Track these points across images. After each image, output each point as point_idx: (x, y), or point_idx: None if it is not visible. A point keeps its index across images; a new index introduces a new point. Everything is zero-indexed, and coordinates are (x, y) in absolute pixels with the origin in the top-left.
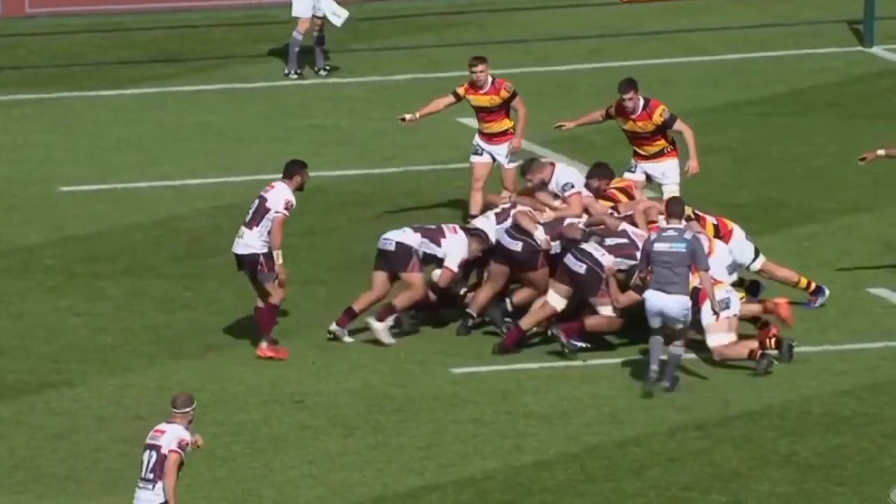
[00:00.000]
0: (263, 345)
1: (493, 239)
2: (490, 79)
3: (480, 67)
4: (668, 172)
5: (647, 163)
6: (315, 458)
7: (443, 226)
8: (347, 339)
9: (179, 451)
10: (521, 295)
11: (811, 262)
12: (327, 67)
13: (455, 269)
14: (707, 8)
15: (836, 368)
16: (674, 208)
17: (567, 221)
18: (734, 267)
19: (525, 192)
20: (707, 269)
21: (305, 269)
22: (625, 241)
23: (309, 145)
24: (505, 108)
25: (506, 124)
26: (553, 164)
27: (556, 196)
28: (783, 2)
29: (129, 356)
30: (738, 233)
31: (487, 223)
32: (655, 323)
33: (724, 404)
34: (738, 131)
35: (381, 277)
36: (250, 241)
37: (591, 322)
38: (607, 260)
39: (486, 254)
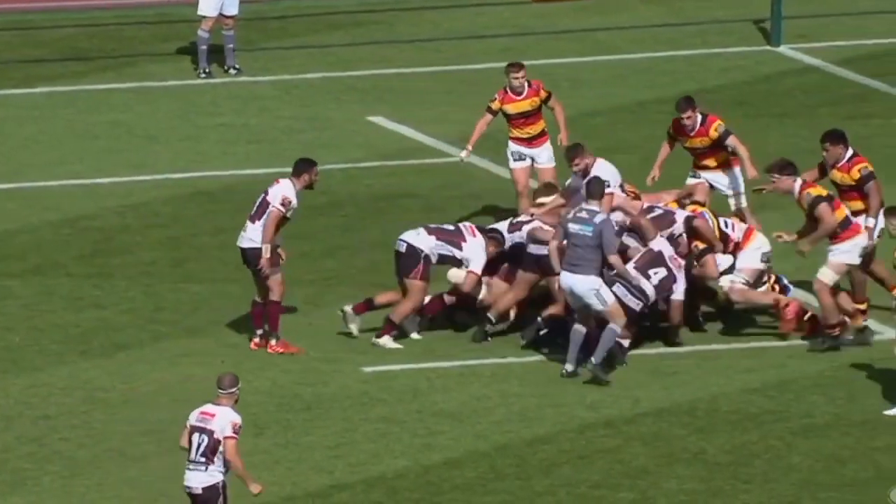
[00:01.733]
0: (273, 342)
1: (507, 243)
2: (527, 83)
3: (521, 73)
4: (734, 183)
5: (709, 173)
6: None
7: (461, 227)
8: (353, 327)
9: (235, 435)
10: (552, 310)
11: None
12: (237, 66)
13: (479, 272)
14: (617, 7)
15: (744, 366)
16: (592, 188)
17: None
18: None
19: (548, 212)
20: (612, 254)
21: (216, 268)
22: (664, 273)
23: (219, 144)
24: (541, 109)
25: (542, 125)
26: (596, 158)
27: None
28: (692, 1)
29: (37, 355)
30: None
31: (503, 227)
32: (572, 302)
33: (633, 402)
34: (647, 129)
35: (399, 279)
36: (252, 235)
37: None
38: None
39: (500, 259)
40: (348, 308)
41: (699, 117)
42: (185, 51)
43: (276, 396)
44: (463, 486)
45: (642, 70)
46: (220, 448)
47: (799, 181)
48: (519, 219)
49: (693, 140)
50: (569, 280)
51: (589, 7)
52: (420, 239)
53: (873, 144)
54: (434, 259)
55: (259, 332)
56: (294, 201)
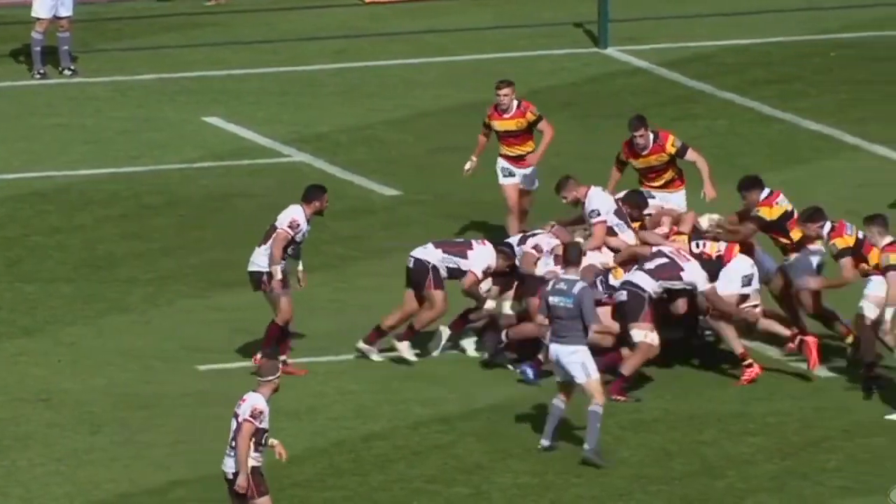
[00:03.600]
0: (258, 355)
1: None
2: (515, 102)
3: (505, 91)
4: (680, 203)
5: (659, 192)
6: (62, 455)
7: (472, 241)
8: (376, 357)
9: (251, 420)
10: (518, 329)
11: None
12: (72, 67)
13: (479, 273)
14: (448, 9)
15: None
16: (569, 255)
17: (586, 263)
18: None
19: (566, 223)
20: (590, 323)
21: (51, 268)
22: (665, 261)
23: (54, 144)
24: (530, 130)
25: (530, 146)
26: (589, 187)
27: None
28: (520, 3)
29: None
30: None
31: (514, 241)
32: (559, 374)
33: (468, 398)
34: (477, 130)
35: (408, 295)
36: (257, 259)
37: (625, 369)
38: (649, 284)
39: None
40: (360, 344)
41: (651, 135)
42: (19, 52)
43: (114, 395)
44: (302, 483)
45: (472, 72)
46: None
47: (828, 226)
48: (532, 231)
49: (648, 158)
50: (556, 350)
51: (421, 10)
52: (427, 252)
53: (699, 145)
54: (443, 272)
55: (282, 356)
56: (303, 225)
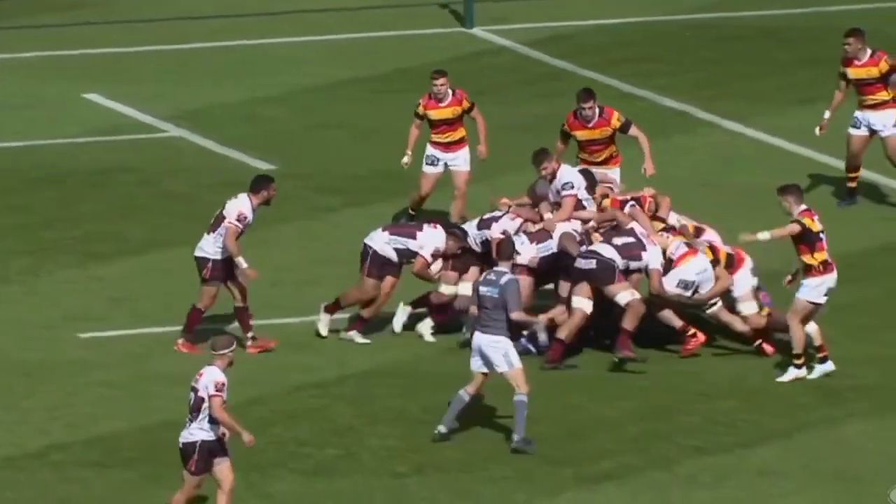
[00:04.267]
0: (180, 340)
1: (471, 241)
2: (450, 91)
3: (441, 81)
4: (615, 180)
5: (596, 168)
6: None
7: (423, 222)
8: (360, 340)
9: (219, 393)
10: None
11: None
12: None
13: (428, 256)
14: None
15: (443, 328)
16: (502, 249)
17: (562, 230)
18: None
19: (522, 203)
20: (514, 311)
21: None
22: (632, 240)
23: None
24: (462, 117)
25: (461, 132)
26: (560, 163)
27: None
28: None
29: None
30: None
31: (469, 226)
32: (475, 363)
33: (340, 365)
34: (353, 106)
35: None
36: (204, 245)
37: (626, 324)
38: (616, 256)
39: (473, 258)
40: (321, 307)
41: (597, 108)
42: None
43: None
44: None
45: (347, 50)
46: (204, 406)
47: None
48: (491, 214)
49: (593, 131)
50: (479, 339)
51: None
52: (373, 237)
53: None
54: (391, 255)
55: (250, 335)
56: (250, 217)
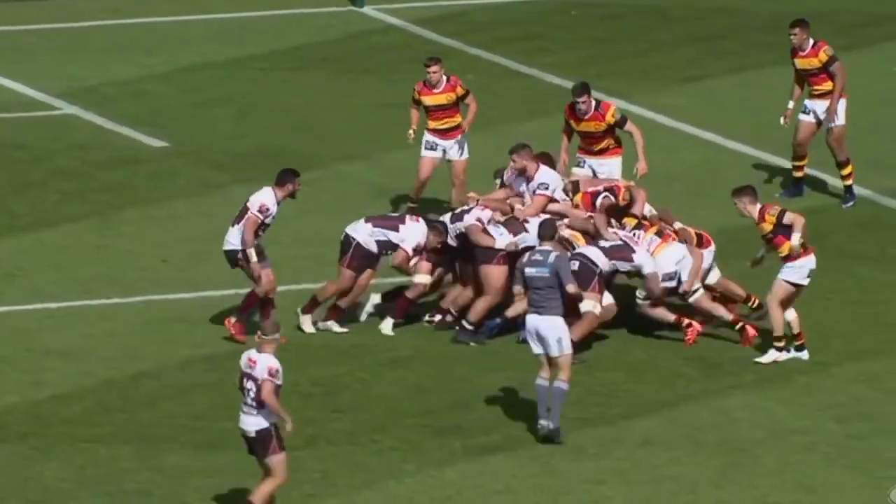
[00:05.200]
0: (233, 319)
1: (451, 233)
2: (445, 77)
3: (434, 68)
4: (613, 171)
5: (593, 158)
6: None
7: (406, 215)
8: (338, 329)
9: (272, 378)
10: (460, 296)
11: (313, 206)
12: None
13: (409, 250)
14: None
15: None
16: (544, 231)
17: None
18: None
19: (492, 195)
20: (570, 284)
21: None
22: (619, 243)
23: None
24: (458, 104)
25: (458, 119)
26: (539, 163)
27: (517, 195)
28: None
29: None
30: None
31: (446, 218)
32: (536, 346)
33: (232, 339)
34: (241, 84)
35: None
36: (231, 238)
37: (577, 333)
38: (602, 261)
39: (449, 252)
40: (298, 310)
41: (593, 102)
42: None
43: None
44: (71, 420)
45: (238, 29)
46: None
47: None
48: (462, 208)
49: (588, 124)
50: (535, 322)
51: None
52: (356, 228)
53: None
54: (373, 247)
55: (245, 314)
56: (272, 209)
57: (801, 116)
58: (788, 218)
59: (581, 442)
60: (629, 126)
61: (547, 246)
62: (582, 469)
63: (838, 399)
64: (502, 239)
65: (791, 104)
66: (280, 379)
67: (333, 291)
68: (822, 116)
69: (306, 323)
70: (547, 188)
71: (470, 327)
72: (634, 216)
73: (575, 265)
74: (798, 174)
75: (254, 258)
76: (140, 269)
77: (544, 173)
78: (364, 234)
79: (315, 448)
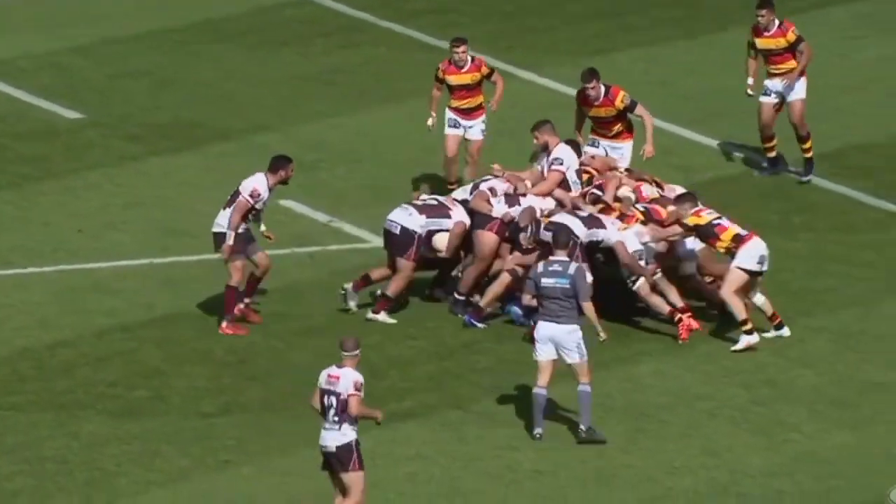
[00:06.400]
0: (224, 323)
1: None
2: (470, 57)
3: (462, 48)
4: (625, 154)
5: (606, 141)
6: None
7: (443, 201)
8: (352, 303)
9: (357, 392)
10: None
11: (224, 177)
12: None
13: (466, 223)
14: None
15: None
16: (560, 238)
17: (527, 203)
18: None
19: (518, 173)
20: (585, 301)
21: None
22: (595, 214)
23: None
24: (481, 84)
25: (480, 99)
26: (559, 141)
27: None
28: None
29: None
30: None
31: (462, 192)
32: (543, 352)
33: (148, 308)
34: (157, 57)
35: (391, 257)
36: (220, 220)
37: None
38: (580, 230)
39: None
40: (348, 286)
41: (602, 88)
42: None
43: None
44: None
45: (154, 1)
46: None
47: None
48: (482, 178)
49: (598, 109)
50: (551, 330)
51: None
52: (412, 220)
53: (361, 72)
54: (424, 237)
55: (243, 304)
56: (264, 194)
57: (763, 98)
58: (710, 217)
59: (491, 409)
60: (639, 110)
61: (562, 255)
62: (493, 435)
63: (743, 366)
64: (499, 207)
65: (751, 80)
66: (363, 391)
67: (401, 287)
68: (784, 93)
69: (385, 317)
70: (561, 164)
71: (461, 298)
72: (604, 201)
73: (549, 236)
74: (771, 154)
75: (230, 241)
76: (56, 239)
77: (561, 149)
78: (420, 224)
79: (230, 415)
